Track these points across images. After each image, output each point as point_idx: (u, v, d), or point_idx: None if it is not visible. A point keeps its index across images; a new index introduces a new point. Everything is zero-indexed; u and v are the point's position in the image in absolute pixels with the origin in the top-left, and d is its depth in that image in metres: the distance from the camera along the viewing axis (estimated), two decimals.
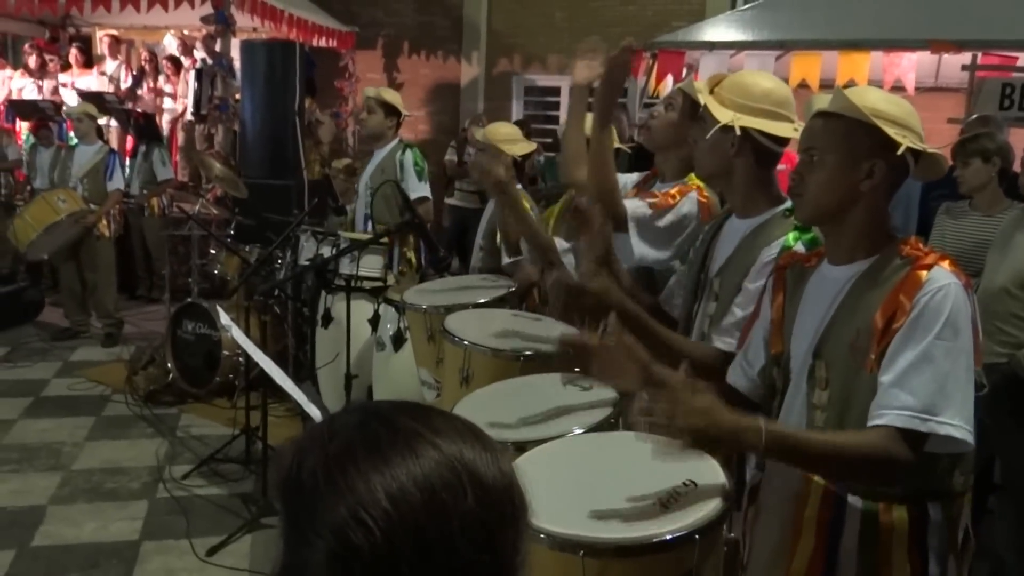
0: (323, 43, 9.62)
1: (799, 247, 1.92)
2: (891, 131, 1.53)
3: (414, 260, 4.48)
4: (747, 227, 2.03)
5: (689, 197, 2.38)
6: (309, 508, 0.67)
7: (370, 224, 4.53)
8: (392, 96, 4.57)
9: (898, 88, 5.88)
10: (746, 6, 7.93)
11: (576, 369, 2.15)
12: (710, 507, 1.43)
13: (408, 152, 4.47)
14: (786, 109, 2.00)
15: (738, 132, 1.93)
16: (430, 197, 4.52)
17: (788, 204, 2.03)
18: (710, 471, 1.55)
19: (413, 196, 4.28)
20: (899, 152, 1.53)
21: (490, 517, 0.71)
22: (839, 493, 1.59)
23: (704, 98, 2.00)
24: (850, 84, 5.85)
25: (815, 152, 1.62)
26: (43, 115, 7.54)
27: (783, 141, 2.00)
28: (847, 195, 1.59)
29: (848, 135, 1.58)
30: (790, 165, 1.90)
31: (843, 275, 1.62)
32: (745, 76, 2.08)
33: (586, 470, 1.60)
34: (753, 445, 1.45)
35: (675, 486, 1.49)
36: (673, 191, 2.39)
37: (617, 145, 3.13)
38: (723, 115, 1.95)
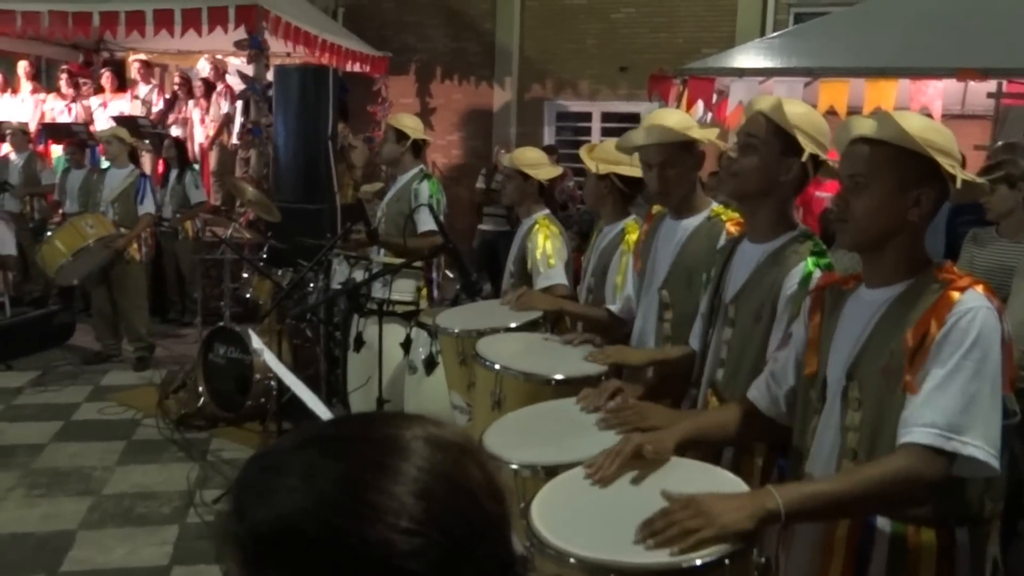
0: (356, 68, 9.74)
1: (818, 273, 1.93)
2: (943, 161, 1.53)
3: (425, 292, 4.47)
4: (761, 252, 2.05)
5: None
6: (331, 549, 0.66)
7: (382, 250, 4.51)
8: (403, 121, 4.50)
9: (924, 115, 5.84)
10: (775, 34, 7.94)
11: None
12: None
13: (424, 182, 4.41)
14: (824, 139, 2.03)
15: (805, 158, 1.96)
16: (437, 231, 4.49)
17: (802, 229, 2.05)
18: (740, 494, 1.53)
19: (422, 229, 4.25)
20: (958, 186, 1.53)
21: (489, 470, 0.75)
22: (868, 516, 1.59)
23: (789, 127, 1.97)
24: (877, 111, 5.82)
25: (860, 179, 1.60)
26: (76, 138, 7.67)
27: (815, 169, 2.03)
28: (894, 223, 1.59)
29: (896, 163, 1.57)
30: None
31: (879, 298, 1.62)
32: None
33: (616, 495, 1.58)
34: (774, 518, 1.41)
35: None
36: None
37: (627, 171, 3.12)
38: (806, 142, 1.95)
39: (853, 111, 5.99)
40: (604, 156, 3.06)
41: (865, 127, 1.61)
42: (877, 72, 6.05)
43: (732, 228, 2.41)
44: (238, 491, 0.71)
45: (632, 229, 3.06)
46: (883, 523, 1.57)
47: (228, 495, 0.72)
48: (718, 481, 1.58)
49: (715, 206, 2.57)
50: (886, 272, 1.62)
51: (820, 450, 1.68)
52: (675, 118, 2.51)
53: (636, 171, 3.07)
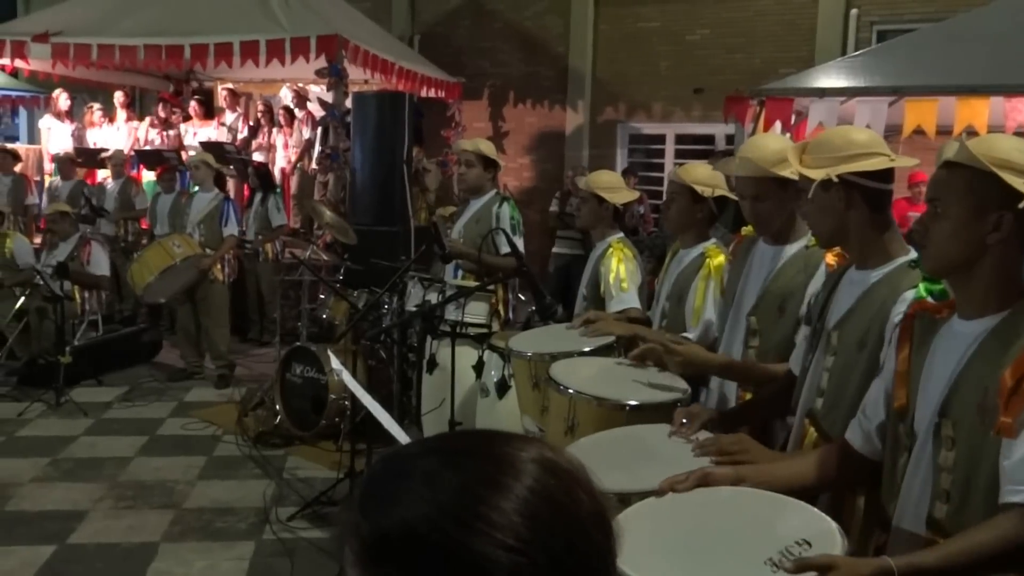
0: (431, 93, 9.91)
1: (929, 300, 1.82)
2: (1016, 181, 1.45)
3: (503, 313, 4.48)
4: (868, 279, 1.97)
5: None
6: (441, 555, 0.69)
7: (459, 272, 4.57)
8: (488, 148, 4.60)
9: (1021, 134, 5.58)
10: (857, 52, 7.74)
11: (684, 421, 2.10)
12: None
13: (505, 205, 4.49)
14: (876, 147, 1.97)
15: (835, 180, 1.91)
16: (522, 252, 4.52)
17: (913, 255, 1.95)
18: (826, 531, 1.47)
19: (504, 250, 4.28)
20: (1020, 205, 1.45)
21: (600, 501, 0.76)
22: None
23: (796, 167, 1.99)
24: (969, 130, 5.61)
25: (939, 203, 1.56)
26: (167, 163, 7.99)
27: (888, 178, 1.96)
28: (973, 248, 1.53)
29: (972, 186, 1.51)
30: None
31: (972, 330, 1.55)
32: (827, 134, 2.08)
33: (694, 526, 1.54)
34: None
35: (788, 545, 1.41)
36: None
37: (723, 193, 3.06)
38: (817, 173, 1.93)
39: (943, 132, 5.78)
40: (689, 176, 3.01)
41: (950, 151, 1.57)
42: (968, 90, 5.81)
43: (831, 259, 2.33)
44: (366, 489, 0.75)
45: (714, 254, 2.99)
46: None
47: (355, 490, 0.77)
48: (806, 519, 1.52)
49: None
50: (977, 302, 1.56)
51: (910, 490, 1.61)
52: (772, 148, 2.37)
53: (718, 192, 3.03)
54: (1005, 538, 1.38)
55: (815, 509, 1.57)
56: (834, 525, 1.49)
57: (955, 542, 1.45)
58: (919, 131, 6.08)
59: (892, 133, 6.54)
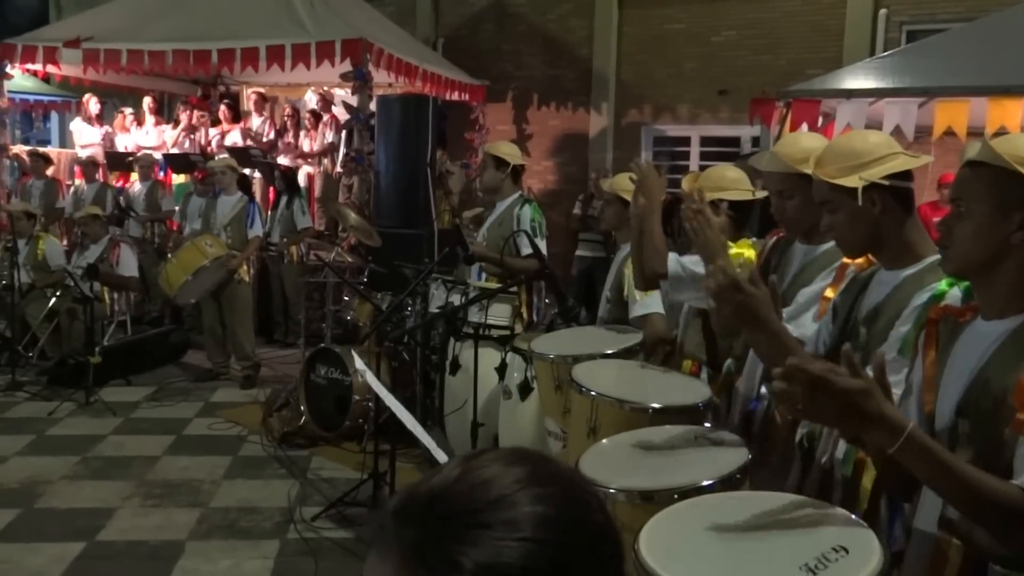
0: (455, 96, 9.93)
1: (955, 292, 1.81)
2: None
3: (526, 315, 4.49)
4: (898, 278, 1.96)
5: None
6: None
7: (483, 274, 4.59)
8: (502, 149, 4.61)
9: None
10: (886, 53, 7.66)
11: (706, 424, 2.09)
12: None
13: (526, 207, 4.51)
14: (894, 147, 1.96)
15: (885, 183, 1.89)
16: (544, 254, 4.53)
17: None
18: (863, 538, 1.45)
19: (524, 252, 4.29)
20: None
21: (611, 520, 0.78)
22: (980, 560, 1.48)
23: (824, 179, 1.96)
24: (1001, 132, 5.52)
25: (962, 203, 1.54)
26: (195, 168, 8.08)
27: (911, 176, 1.97)
28: (996, 248, 1.50)
29: (996, 185, 1.49)
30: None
31: (994, 330, 1.53)
32: (839, 142, 2.07)
33: (727, 530, 1.53)
34: (889, 439, 1.36)
35: (824, 552, 1.39)
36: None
37: (750, 197, 3.04)
38: (851, 180, 1.91)
39: (975, 133, 5.69)
40: (709, 183, 3.01)
41: (972, 150, 1.55)
42: (1000, 90, 5.72)
43: (847, 259, 2.31)
44: (464, 522, 0.70)
45: (743, 245, 2.97)
46: (995, 570, 1.46)
47: (440, 522, 0.71)
48: (844, 526, 1.51)
49: None
50: (1000, 302, 1.53)
51: (927, 490, 1.59)
52: (803, 146, 2.36)
53: (742, 195, 3.01)
54: (1007, 495, 1.36)
55: (853, 515, 1.56)
56: (871, 532, 1.47)
57: (964, 464, 1.42)
58: (950, 132, 6.00)
59: (922, 135, 6.46)
